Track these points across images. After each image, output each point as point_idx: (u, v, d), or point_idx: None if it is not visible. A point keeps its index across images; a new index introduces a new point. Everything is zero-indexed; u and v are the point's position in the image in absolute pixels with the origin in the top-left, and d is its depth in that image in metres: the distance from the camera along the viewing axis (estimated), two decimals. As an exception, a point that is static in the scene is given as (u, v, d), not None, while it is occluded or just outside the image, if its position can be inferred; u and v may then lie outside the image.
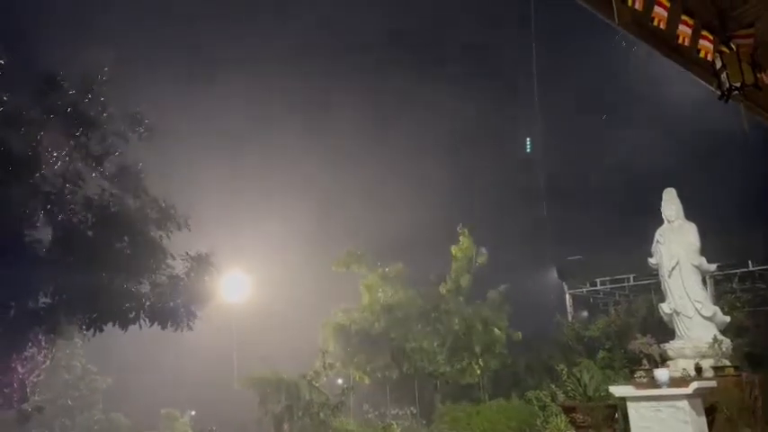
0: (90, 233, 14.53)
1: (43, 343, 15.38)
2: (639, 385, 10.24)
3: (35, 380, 15.47)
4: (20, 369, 14.60)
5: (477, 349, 18.00)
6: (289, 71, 29.21)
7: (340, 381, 20.37)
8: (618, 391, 10.48)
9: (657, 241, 11.83)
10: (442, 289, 18.73)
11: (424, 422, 17.92)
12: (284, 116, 29.33)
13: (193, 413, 24.99)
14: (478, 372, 17.92)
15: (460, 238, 19.04)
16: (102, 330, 14.79)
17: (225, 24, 29.17)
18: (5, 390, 14.28)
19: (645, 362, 11.02)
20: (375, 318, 18.69)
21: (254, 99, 29.31)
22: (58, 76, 14.75)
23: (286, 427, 15.75)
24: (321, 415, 15.82)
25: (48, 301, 14.48)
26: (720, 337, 10.98)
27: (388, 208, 26.69)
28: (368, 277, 19.38)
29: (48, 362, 16.07)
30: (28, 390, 15.10)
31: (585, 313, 23.56)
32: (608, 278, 22.95)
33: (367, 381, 19.10)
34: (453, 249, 18.91)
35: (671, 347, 11.25)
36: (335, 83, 29.90)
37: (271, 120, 29.47)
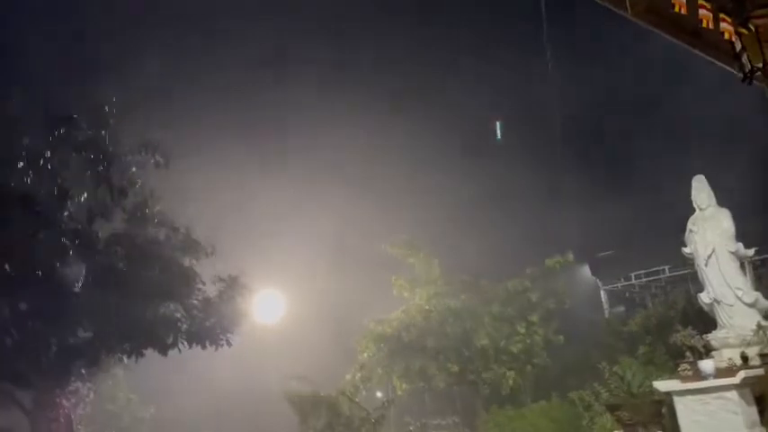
0: (121, 265, 14.87)
1: (86, 376, 15.70)
2: (685, 379, 10.01)
3: (81, 413, 15.76)
4: (65, 403, 14.90)
5: (516, 351, 17.73)
6: (306, 85, 29.22)
7: (379, 394, 20.29)
8: (663, 386, 10.27)
9: (690, 230, 11.58)
10: (509, 288, 18.17)
11: (467, 430, 17.74)
12: (311, 124, 29.25)
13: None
14: (518, 376, 17.64)
15: (564, 257, 18.50)
16: (142, 356, 15.08)
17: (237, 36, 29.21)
18: (52, 425, 14.57)
19: (688, 354, 10.76)
20: (422, 322, 18.37)
21: (276, 107, 29.27)
22: (71, 115, 15.17)
23: (328, 444, 15.72)
24: (363, 430, 15.77)
25: (87, 334, 14.81)
26: (764, 323, 10.66)
27: (419, 210, 26.45)
28: (420, 275, 19.01)
29: (91, 394, 16.36)
30: (74, 424, 15.39)
31: (622, 308, 23.16)
32: (642, 271, 22.54)
33: (405, 390, 18.86)
34: (551, 263, 18.37)
35: (714, 337, 10.97)
36: (358, 83, 29.67)
37: (297, 128, 29.46)
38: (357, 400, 16.97)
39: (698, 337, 10.92)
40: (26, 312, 14.19)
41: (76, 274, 14.67)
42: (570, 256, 18.60)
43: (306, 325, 23.81)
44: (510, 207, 25.85)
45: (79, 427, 16.48)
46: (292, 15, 28.31)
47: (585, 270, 23.85)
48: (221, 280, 16.00)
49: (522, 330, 17.78)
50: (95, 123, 15.40)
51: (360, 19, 28.52)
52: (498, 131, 28.50)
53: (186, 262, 15.73)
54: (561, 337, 18.10)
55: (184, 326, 15.39)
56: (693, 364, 10.14)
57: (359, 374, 18.46)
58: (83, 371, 15.29)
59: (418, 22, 28.67)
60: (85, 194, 15.30)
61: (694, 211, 11.73)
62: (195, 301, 15.79)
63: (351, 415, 15.91)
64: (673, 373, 10.96)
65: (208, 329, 15.55)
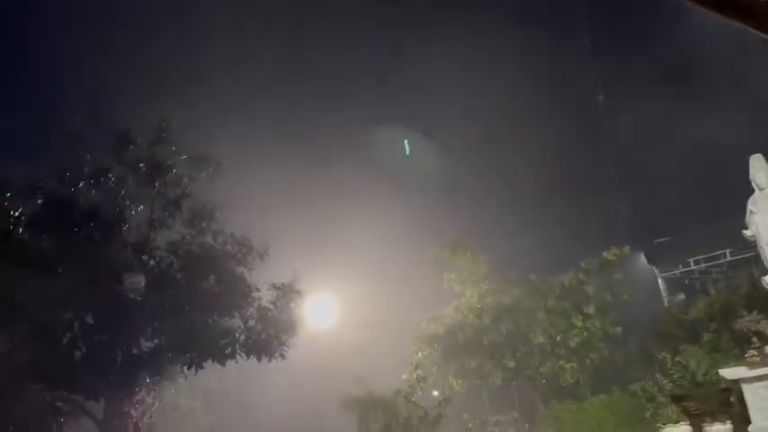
0: (179, 276, 15.27)
1: (150, 385, 16.20)
2: (752, 365, 9.67)
3: (148, 422, 16.24)
4: (133, 413, 15.39)
5: (574, 344, 17.42)
6: (354, 90, 29.37)
7: (436, 393, 20.24)
8: (730, 373, 9.96)
9: (751, 211, 11.17)
10: (565, 283, 17.90)
11: (527, 425, 17.52)
12: (359, 132, 29.48)
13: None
14: (577, 369, 17.31)
15: (621, 249, 18.15)
16: (202, 368, 15.48)
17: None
18: (122, 434, 15.07)
19: (755, 340, 10.39)
20: (475, 321, 18.24)
21: (327, 116, 29.58)
22: (130, 132, 15.70)
23: (388, 445, 15.76)
24: (422, 429, 15.76)
25: (149, 345, 15.30)
26: (835, 304, 10.23)
27: (467, 209, 26.25)
28: (468, 273, 18.87)
29: (157, 403, 16.84)
30: (142, 432, 15.86)
31: (682, 296, 22.46)
32: (702, 256, 21.78)
33: (462, 388, 18.73)
34: (609, 255, 18.06)
35: (781, 321, 10.57)
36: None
37: (346, 137, 29.68)
38: (414, 399, 16.96)
39: (764, 321, 10.54)
40: (92, 326, 14.76)
41: (137, 286, 15.19)
42: (627, 249, 18.16)
43: (359, 328, 23.94)
44: (563, 198, 25.44)
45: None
46: (337, 38, 28.62)
47: (641, 258, 23.20)
48: (275, 287, 16.27)
49: (579, 324, 17.45)
50: (152, 140, 15.94)
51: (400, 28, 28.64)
52: (407, 148, 28.64)
53: (241, 271, 16.06)
54: (619, 329, 17.67)
55: (242, 337, 15.72)
56: (761, 350, 9.80)
57: (415, 374, 18.46)
58: (147, 380, 15.78)
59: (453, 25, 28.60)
60: (142, 207, 15.84)
61: (753, 191, 11.33)
62: (251, 310, 16.11)
63: (408, 415, 15.91)
64: (739, 359, 10.61)
65: (264, 342, 15.84)
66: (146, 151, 15.79)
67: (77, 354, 14.52)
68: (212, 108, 25.18)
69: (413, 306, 21.47)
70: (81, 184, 14.93)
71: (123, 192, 15.54)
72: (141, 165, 15.64)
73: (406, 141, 29.47)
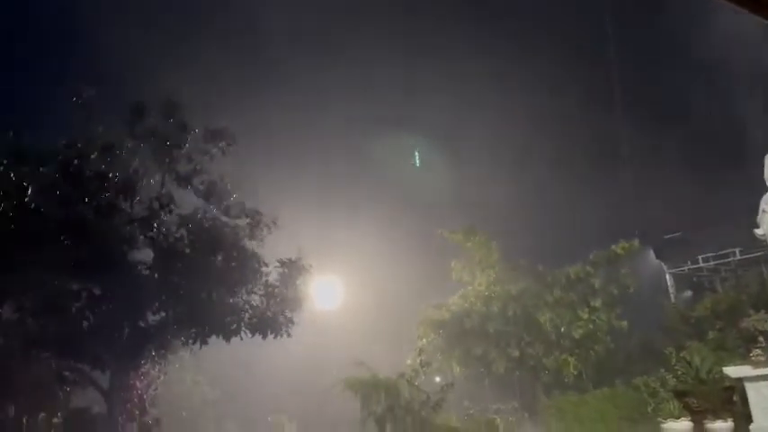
0: (187, 250, 15.35)
1: (156, 358, 16.40)
2: (757, 364, 9.64)
3: (152, 393, 16.46)
4: (138, 384, 15.61)
5: (578, 336, 17.41)
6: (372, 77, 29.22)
7: (438, 379, 20.33)
8: (734, 371, 9.93)
9: (763, 210, 11.07)
10: (572, 274, 17.84)
11: (527, 415, 17.57)
12: (374, 113, 29.38)
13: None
14: (580, 362, 17.32)
15: (630, 243, 18.04)
16: (206, 343, 15.63)
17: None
18: (128, 405, 15.31)
19: (761, 339, 10.34)
20: (482, 308, 18.23)
21: (345, 98, 29.54)
22: (142, 104, 15.70)
23: (389, 427, 15.86)
24: (423, 413, 15.84)
25: (156, 318, 15.45)
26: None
27: (478, 195, 26.16)
28: (479, 259, 18.82)
29: (162, 376, 17.05)
30: (147, 403, 16.10)
31: (689, 293, 22.34)
32: (711, 254, 21.63)
33: (464, 374, 18.77)
34: (618, 248, 17.96)
35: (789, 322, 10.51)
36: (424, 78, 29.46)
37: (361, 116, 29.58)
38: (416, 384, 17.03)
39: (772, 321, 10.50)
40: (100, 297, 14.92)
41: (145, 259, 15.31)
42: (636, 244, 18.06)
43: (364, 311, 24.04)
44: (572, 192, 25.32)
45: (150, 407, 17.26)
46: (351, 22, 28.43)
47: (649, 253, 23.07)
48: (282, 263, 16.35)
49: (585, 316, 17.44)
50: (164, 113, 15.94)
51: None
52: (417, 159, 28.66)
53: (249, 246, 16.13)
54: (624, 323, 17.64)
55: (247, 314, 15.82)
56: (766, 349, 9.77)
57: (419, 359, 18.52)
58: (153, 353, 15.97)
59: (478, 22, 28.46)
60: (153, 181, 15.90)
61: (767, 190, 11.22)
62: (258, 288, 16.20)
63: (411, 398, 15.99)
64: (744, 358, 10.58)
65: (270, 319, 15.95)
66: (159, 124, 15.81)
67: (85, 323, 14.69)
68: (227, 85, 25.20)
69: (417, 294, 21.50)
70: (93, 156, 14.97)
71: (135, 164, 15.60)
72: (154, 137, 15.67)
73: (410, 139, 29.38)
